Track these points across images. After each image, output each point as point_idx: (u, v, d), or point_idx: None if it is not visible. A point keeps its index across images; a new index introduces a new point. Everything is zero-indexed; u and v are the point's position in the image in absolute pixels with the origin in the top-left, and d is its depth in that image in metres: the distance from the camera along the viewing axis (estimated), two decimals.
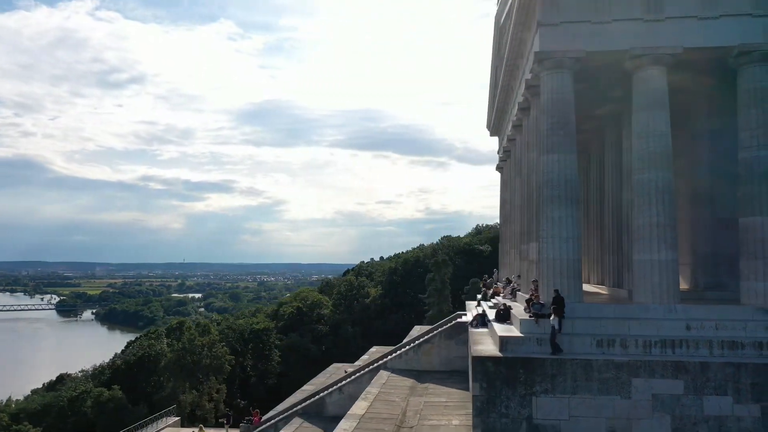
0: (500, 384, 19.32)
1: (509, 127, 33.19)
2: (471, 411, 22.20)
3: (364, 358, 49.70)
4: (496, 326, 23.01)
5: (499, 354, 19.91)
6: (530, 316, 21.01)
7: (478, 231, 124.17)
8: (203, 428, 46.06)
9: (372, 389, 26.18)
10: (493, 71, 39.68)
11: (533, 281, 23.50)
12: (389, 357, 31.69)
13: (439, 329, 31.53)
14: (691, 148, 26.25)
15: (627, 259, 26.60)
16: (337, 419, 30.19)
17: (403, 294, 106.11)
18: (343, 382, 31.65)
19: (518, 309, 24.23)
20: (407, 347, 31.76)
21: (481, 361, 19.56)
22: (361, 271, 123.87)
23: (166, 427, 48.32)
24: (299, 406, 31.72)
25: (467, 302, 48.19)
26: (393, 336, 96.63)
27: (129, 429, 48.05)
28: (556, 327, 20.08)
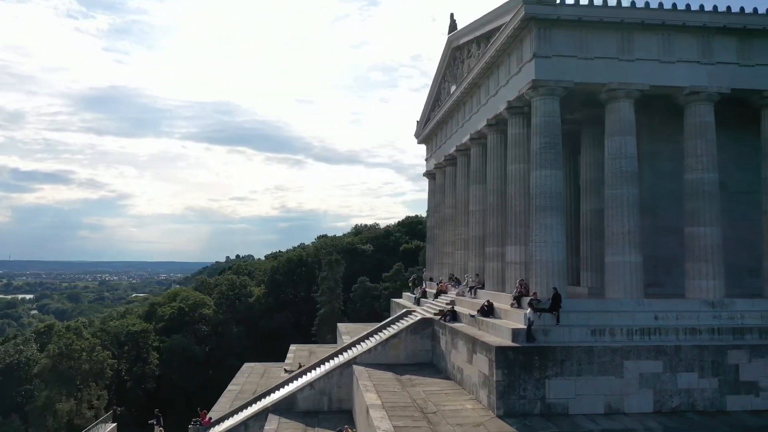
0: (519, 370, 22.19)
1: (465, 139, 36.27)
2: (472, 396, 24.93)
3: (290, 356, 50.64)
4: (493, 320, 25.95)
5: (517, 344, 22.74)
6: (533, 311, 24.04)
7: (358, 231, 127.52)
8: None
9: (365, 382, 27.81)
10: (434, 86, 42.69)
11: (520, 280, 26.70)
12: (359, 352, 33.33)
13: (407, 326, 33.75)
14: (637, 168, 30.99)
15: (585, 260, 30.80)
16: (309, 414, 31.49)
17: (287, 293, 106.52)
18: (313, 378, 32.78)
19: (501, 305, 27.29)
20: (375, 342, 33.63)
21: (503, 350, 22.28)
22: (240, 270, 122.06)
23: None
24: (269, 404, 32.34)
25: (394, 300, 51.00)
26: (280, 335, 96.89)
27: None
28: (532, 319, 23.38)
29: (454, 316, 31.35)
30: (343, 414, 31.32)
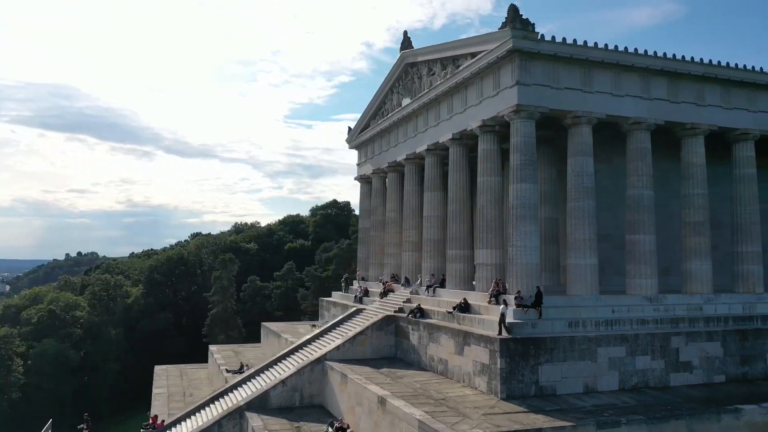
0: (518, 358, 25.56)
1: (420, 149, 39.24)
2: (464, 384, 27.95)
3: (218, 357, 50.58)
4: (477, 316, 29.17)
5: (517, 336, 26.09)
6: (517, 306, 27.55)
7: (239, 229, 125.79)
8: None
9: (356, 376, 29.68)
10: (378, 96, 45.22)
11: (497, 280, 30.22)
12: (328, 349, 34.92)
13: (372, 323, 35.91)
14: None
15: (541, 262, 34.96)
16: (283, 410, 32.66)
17: (167, 293, 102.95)
18: (286, 376, 33.87)
19: (478, 302, 30.62)
20: (343, 339, 35.40)
21: (506, 341, 25.53)
22: (110, 268, 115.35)
23: None
24: (242, 402, 32.90)
25: (325, 299, 52.60)
26: (162, 337, 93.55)
27: None
28: (506, 315, 27.06)
29: (422, 313, 34.18)
30: (315, 408, 32.89)
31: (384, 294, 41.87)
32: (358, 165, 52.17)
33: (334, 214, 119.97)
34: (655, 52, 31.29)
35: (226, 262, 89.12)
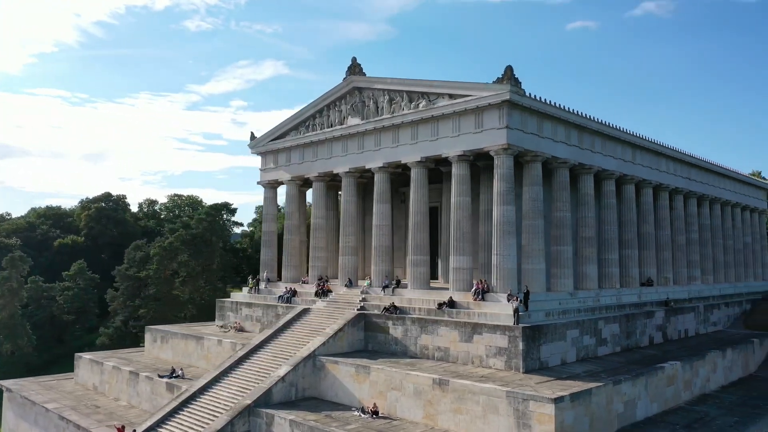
0: (531, 341, 33.51)
1: (371, 165, 44.31)
2: (476, 365, 34.86)
3: (108, 365, 47.94)
4: (476, 310, 36.26)
5: (529, 324, 33.93)
6: (516, 300, 35.46)
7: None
8: None
9: (378, 366, 34.07)
10: (309, 109, 48.64)
11: (481, 280, 37.81)
12: (315, 346, 37.92)
13: (349, 320, 39.86)
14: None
15: (481, 266, 43.16)
16: (284, 404, 35.39)
17: None
18: (283, 372, 36.12)
19: (461, 299, 37.68)
20: (327, 337, 38.73)
21: (525, 329, 33.23)
22: None
23: None
24: (249, 401, 34.31)
25: (227, 300, 52.99)
26: None
27: None
28: (519, 309, 35.21)
29: (396, 310, 39.76)
30: (312, 401, 36.33)
31: (323, 294, 45.75)
32: (262, 170, 54.06)
33: (110, 208, 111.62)
34: (576, 111, 42.20)
35: (16, 260, 78.18)
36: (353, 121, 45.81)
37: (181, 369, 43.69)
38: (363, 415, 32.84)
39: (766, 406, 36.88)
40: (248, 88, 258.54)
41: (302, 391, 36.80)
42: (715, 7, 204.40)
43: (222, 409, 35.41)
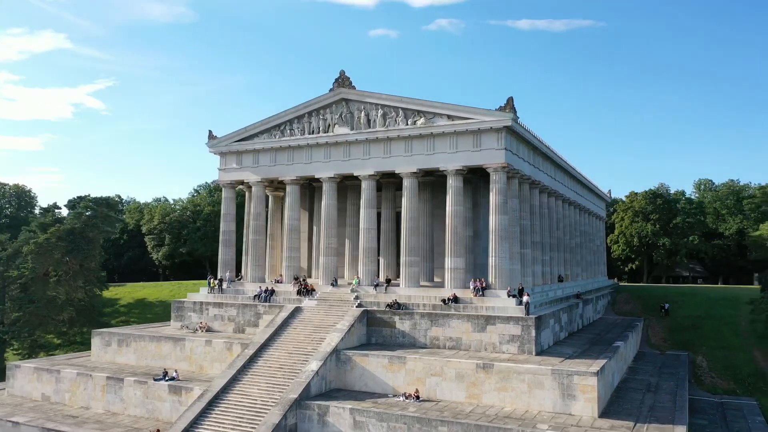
0: (538, 329, 40.29)
1: (360, 172, 47.74)
2: (489, 352, 40.74)
3: (69, 372, 45.42)
4: (478, 304, 42.10)
5: (534, 315, 40.59)
6: (513, 296, 41.96)
7: None
8: None
9: (414, 356, 38.10)
10: (287, 115, 50.50)
11: (479, 278, 43.74)
12: (336, 341, 40.54)
13: (357, 316, 42.93)
14: (478, 214, 51.04)
15: (479, 267, 48.88)
16: (319, 396, 37.92)
17: None
18: (317, 367, 38.44)
19: (461, 295, 43.31)
20: (344, 332, 41.47)
21: (536, 319, 39.89)
22: None
23: None
24: (294, 396, 36.14)
25: (185, 300, 52.06)
26: None
27: None
28: (529, 303, 42.05)
29: (399, 305, 44.03)
30: (341, 392, 39.48)
31: (307, 293, 48.07)
32: (222, 170, 54.08)
33: None
34: (555, 152, 50.07)
35: None
36: (341, 130, 48.81)
37: (175, 371, 43.13)
38: (406, 400, 36.80)
39: (648, 358, 48.09)
40: (20, 60, 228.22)
41: (329, 384, 39.59)
42: (497, 30, 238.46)
43: (260, 405, 36.80)
